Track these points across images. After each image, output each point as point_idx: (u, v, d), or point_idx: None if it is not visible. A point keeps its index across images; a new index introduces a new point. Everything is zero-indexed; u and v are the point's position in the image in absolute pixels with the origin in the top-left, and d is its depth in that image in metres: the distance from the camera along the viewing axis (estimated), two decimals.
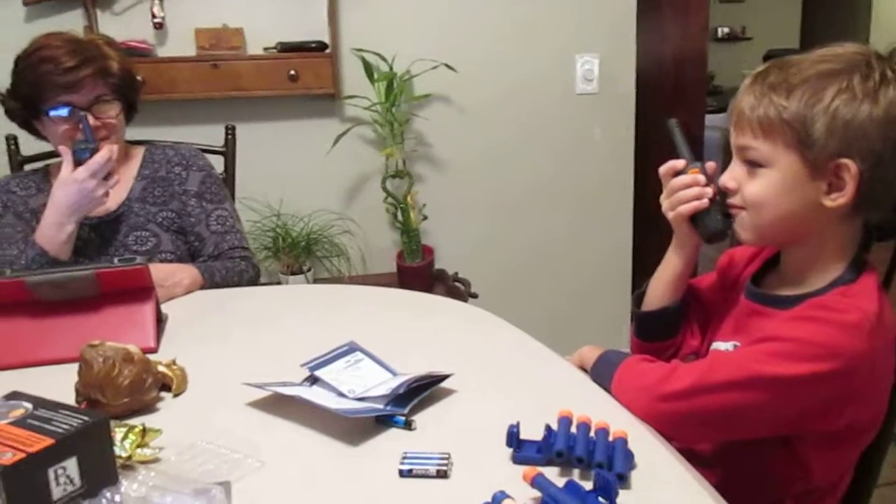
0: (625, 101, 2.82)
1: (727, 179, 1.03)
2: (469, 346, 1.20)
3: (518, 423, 0.84)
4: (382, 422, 0.94)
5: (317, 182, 2.62)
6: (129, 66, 1.69)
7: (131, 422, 0.93)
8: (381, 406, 0.97)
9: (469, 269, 2.70)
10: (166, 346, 1.25)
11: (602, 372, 1.04)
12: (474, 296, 2.58)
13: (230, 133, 2.01)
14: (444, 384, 1.02)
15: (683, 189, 1.08)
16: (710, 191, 1.06)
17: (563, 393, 1.01)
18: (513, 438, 0.83)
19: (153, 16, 2.45)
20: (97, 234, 1.64)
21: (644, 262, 3.04)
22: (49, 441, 0.71)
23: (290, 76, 2.47)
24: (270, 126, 2.58)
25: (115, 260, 1.23)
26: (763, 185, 0.98)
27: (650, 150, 2.99)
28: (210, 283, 1.57)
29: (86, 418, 0.75)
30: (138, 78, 1.76)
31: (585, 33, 2.73)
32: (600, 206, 2.88)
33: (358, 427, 0.93)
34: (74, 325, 1.20)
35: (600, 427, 0.85)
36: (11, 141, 1.91)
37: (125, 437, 0.85)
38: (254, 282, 1.70)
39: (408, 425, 0.93)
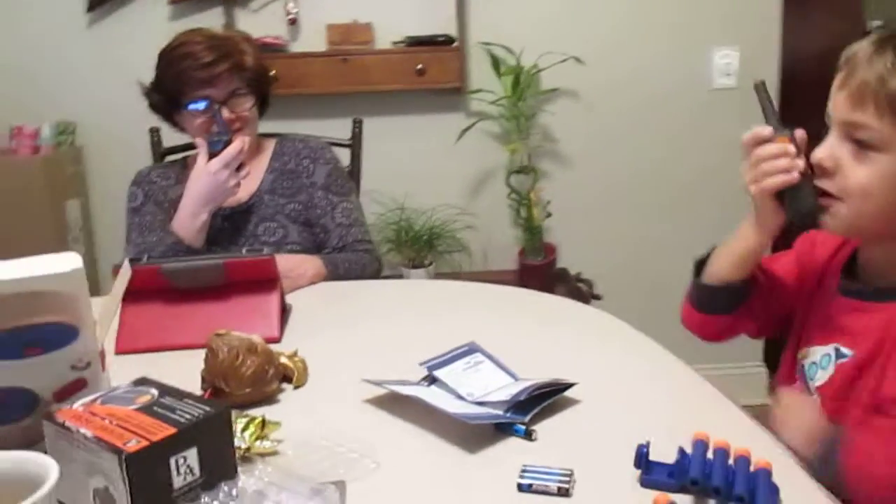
0: None
1: (824, 157, 0.90)
2: (595, 353, 1.14)
3: (648, 443, 0.78)
4: (501, 429, 0.90)
5: (441, 176, 2.61)
6: (263, 61, 1.74)
7: (252, 412, 0.94)
8: (500, 412, 0.93)
9: (593, 269, 2.62)
10: (289, 337, 1.26)
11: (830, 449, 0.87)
12: (598, 297, 2.49)
13: (357, 127, 2.03)
14: (568, 393, 0.97)
15: (770, 160, 0.94)
16: (801, 163, 0.92)
17: (698, 412, 0.94)
18: (642, 459, 0.77)
19: (287, 12, 2.51)
20: (230, 224, 1.68)
21: None
22: (172, 430, 0.71)
23: (418, 70, 2.47)
24: (396, 120, 2.60)
25: (244, 250, 1.25)
26: (875, 172, 0.86)
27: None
28: (334, 274, 1.58)
29: (208, 409, 0.75)
30: (271, 73, 1.79)
31: (725, 26, 2.58)
32: (736, 208, 2.71)
33: (476, 433, 0.89)
34: (203, 313, 1.23)
35: (741, 455, 0.78)
36: (154, 133, 2.00)
37: (245, 428, 0.85)
38: (376, 275, 1.70)
39: (528, 435, 0.88)
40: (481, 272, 2.63)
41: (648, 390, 1.00)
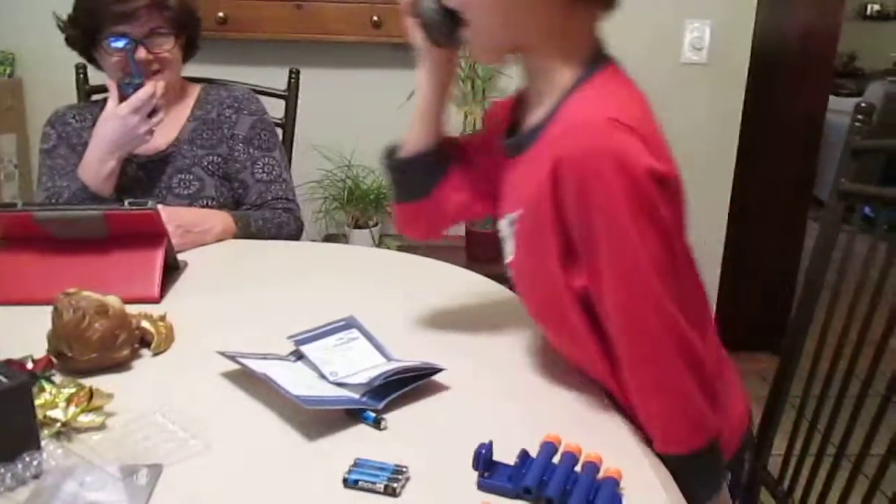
0: (736, 74, 2.56)
1: None
2: (488, 337, 1.07)
3: (491, 443, 0.72)
4: (353, 415, 0.84)
5: (392, 134, 2.49)
6: (192, 0, 1.63)
7: (97, 380, 0.88)
8: (355, 396, 0.87)
9: None
10: (174, 296, 1.19)
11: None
12: None
13: (294, 77, 1.93)
14: (438, 379, 0.91)
15: None
16: None
17: (566, 412, 0.87)
18: (480, 461, 0.71)
19: None
20: (144, 173, 1.60)
21: (737, 256, 2.79)
22: None
23: (374, 22, 2.37)
24: (349, 73, 2.50)
25: (126, 202, 1.17)
26: None
27: (759, 129, 2.72)
28: (244, 232, 1.51)
29: (5, 381, 0.68)
30: (200, 13, 1.69)
31: None
32: (696, 185, 2.63)
33: (324, 418, 0.83)
34: (82, 266, 1.16)
35: (589, 461, 0.72)
36: (81, 70, 1.90)
37: (70, 399, 0.79)
38: (294, 236, 1.63)
39: (377, 423, 0.82)
40: None
41: (526, 384, 0.94)
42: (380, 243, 2.47)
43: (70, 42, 1.63)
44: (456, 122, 2.46)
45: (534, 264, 0.87)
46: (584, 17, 0.88)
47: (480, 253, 2.51)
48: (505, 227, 0.93)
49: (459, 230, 2.54)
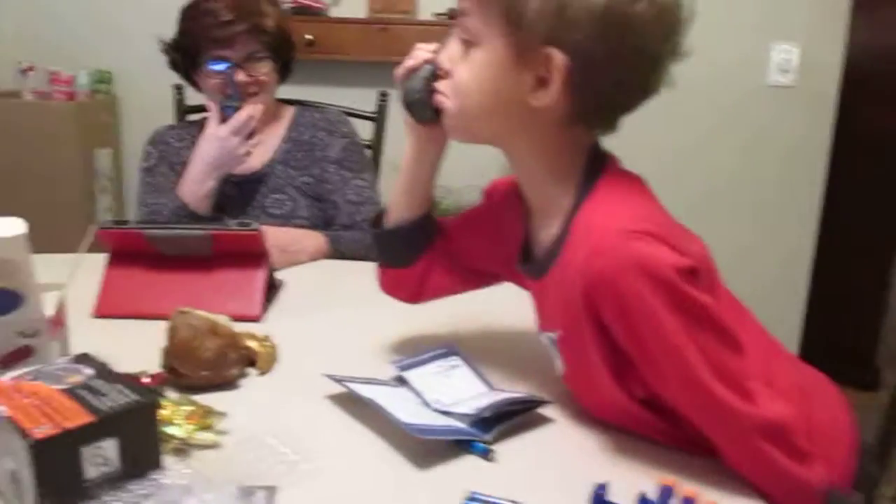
0: (825, 97, 2.50)
1: (443, 58, 0.87)
2: None
3: (605, 485, 0.71)
4: (460, 444, 0.84)
5: (473, 155, 2.52)
6: (286, 24, 1.68)
7: (207, 397, 0.89)
8: (463, 426, 0.86)
9: None
10: (274, 315, 1.21)
11: None
12: None
13: (383, 99, 1.96)
14: (542, 411, 0.90)
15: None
16: (420, 56, 0.92)
17: (681, 456, 0.85)
18: (596, 502, 0.70)
19: None
20: (239, 192, 1.64)
21: (825, 278, 2.70)
22: (89, 418, 0.67)
23: None
24: None
25: (232, 223, 1.20)
26: (471, 66, 0.83)
27: (848, 153, 2.63)
28: (336, 252, 1.53)
29: (135, 398, 0.71)
30: (295, 37, 1.73)
31: (785, 19, 2.43)
32: (781, 213, 2.59)
33: (432, 445, 0.83)
34: (187, 283, 1.20)
35: None
36: (178, 90, 1.97)
37: (187, 417, 0.81)
38: None
39: (486, 454, 0.82)
40: None
41: None
42: None
43: (172, 64, 1.69)
44: None
45: (587, 379, 0.86)
46: (581, 134, 0.86)
47: None
48: (547, 343, 0.92)
49: None
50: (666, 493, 0.71)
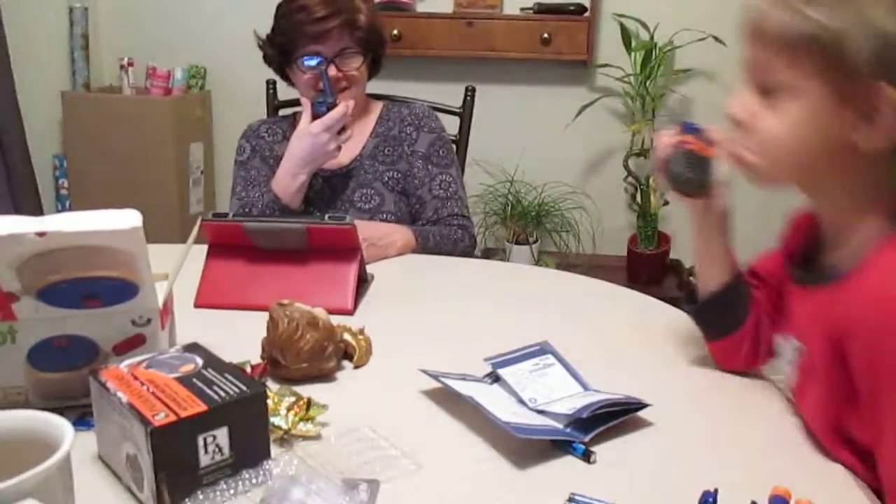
0: None
1: (735, 109, 0.83)
2: (687, 372, 1.03)
3: (716, 491, 0.69)
4: (558, 445, 0.83)
5: (556, 151, 2.52)
6: (378, 20, 1.69)
7: (305, 389, 0.91)
8: (560, 426, 0.85)
9: None
10: (364, 309, 1.23)
11: None
12: None
13: (469, 95, 1.96)
14: (641, 414, 0.89)
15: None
16: (673, 139, 0.93)
17: (787, 462, 0.82)
18: None
19: None
20: (328, 187, 1.67)
21: None
22: (203, 407, 0.69)
23: (543, 39, 2.37)
24: (516, 89, 2.51)
25: (326, 217, 1.22)
26: (786, 118, 0.79)
27: None
28: (423, 247, 1.54)
29: (245, 388, 0.72)
30: (393, 32, 1.74)
31: None
32: None
33: (531, 445, 0.82)
34: (282, 275, 1.22)
35: None
36: (271, 85, 2.01)
37: (290, 407, 0.82)
38: (468, 252, 1.64)
39: (586, 456, 0.81)
40: (588, 255, 2.53)
41: (737, 427, 0.90)
42: (539, 260, 2.46)
43: (267, 59, 1.73)
44: (623, 140, 2.42)
45: (814, 401, 0.85)
46: (889, 170, 0.81)
47: (642, 273, 2.45)
48: (786, 349, 0.91)
49: (622, 249, 2.49)
50: (779, 502, 0.69)
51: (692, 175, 0.94)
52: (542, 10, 2.39)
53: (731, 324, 1.00)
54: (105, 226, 0.78)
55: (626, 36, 2.31)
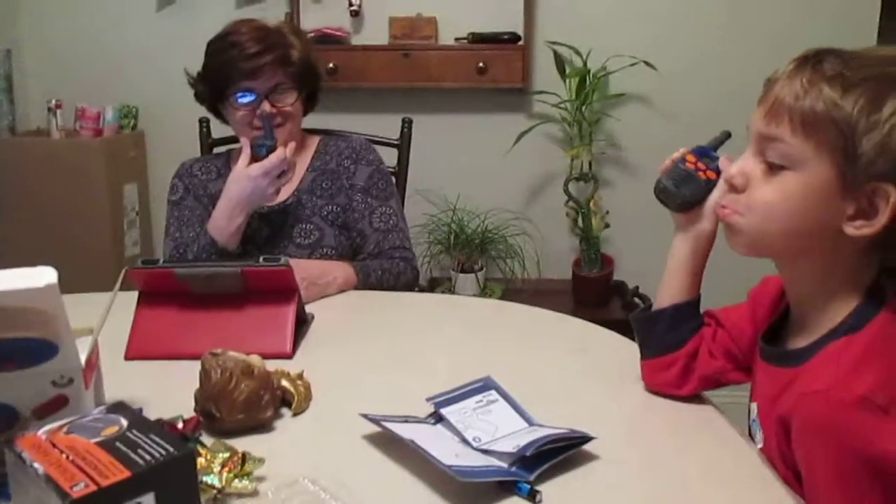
0: None
1: (735, 172, 0.86)
2: (628, 400, 1.03)
3: None
4: (503, 485, 0.81)
5: (497, 179, 2.52)
6: (312, 54, 1.68)
7: (241, 441, 0.88)
8: (504, 465, 0.84)
9: (652, 285, 2.47)
10: (305, 351, 1.20)
11: None
12: None
13: (406, 126, 1.95)
14: (586, 447, 0.88)
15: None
16: (677, 155, 0.98)
17: (731, 490, 0.82)
18: None
19: (350, 3, 2.46)
20: (266, 224, 1.64)
21: None
22: (126, 473, 0.65)
23: (479, 68, 2.39)
24: (455, 118, 2.52)
25: (261, 258, 1.19)
26: (782, 189, 0.81)
27: None
28: (365, 283, 1.52)
29: (172, 449, 0.69)
30: (330, 66, 1.73)
31: (811, 38, 2.39)
32: None
33: (476, 487, 0.80)
34: (218, 321, 1.19)
35: None
36: (204, 123, 1.98)
37: (224, 464, 0.79)
38: (411, 284, 1.63)
39: (532, 496, 0.79)
40: (534, 280, 2.53)
41: (678, 452, 0.90)
42: (484, 287, 2.46)
43: (199, 97, 1.70)
44: (563, 165, 2.44)
45: (775, 461, 0.87)
46: (874, 259, 0.84)
47: (587, 296, 2.46)
48: (755, 415, 0.93)
49: (566, 273, 2.50)
50: None
51: (677, 190, 0.97)
52: (476, 39, 2.41)
53: (668, 344, 1.00)
54: (17, 285, 0.74)
55: (560, 63, 2.34)
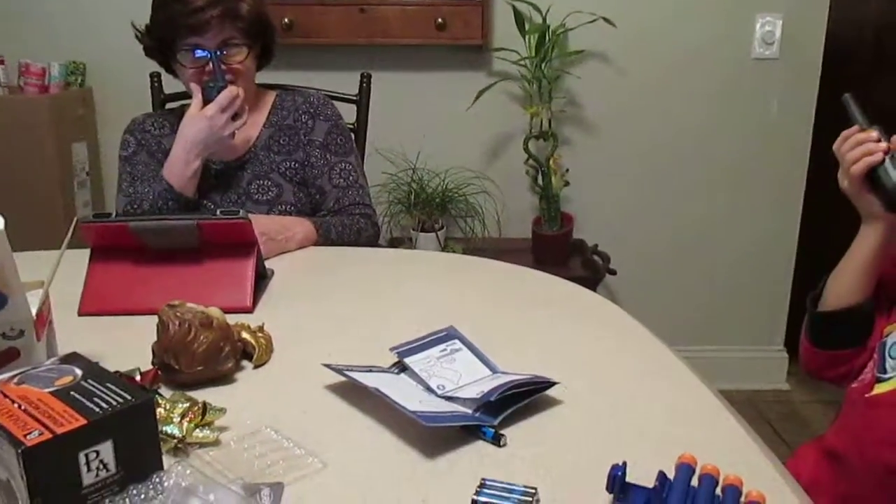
0: (809, 68, 2.48)
1: None
2: (591, 348, 1.04)
3: (624, 464, 0.69)
4: (468, 430, 0.81)
5: (457, 137, 2.50)
6: (263, 9, 1.62)
7: (202, 393, 0.86)
8: (469, 411, 0.84)
9: (611, 242, 2.50)
10: (265, 305, 1.18)
11: None
12: (612, 272, 2.38)
13: (365, 82, 1.92)
14: (549, 392, 0.88)
15: (853, 149, 0.96)
16: (883, 144, 0.94)
17: (692, 430, 0.83)
18: (615, 483, 0.68)
19: None
20: (222, 180, 1.60)
21: (811, 257, 2.70)
22: (82, 421, 0.63)
23: (438, 24, 2.35)
24: (413, 76, 2.48)
25: (218, 211, 1.16)
26: None
27: (833, 125, 2.62)
28: (325, 239, 1.50)
29: (130, 397, 0.67)
30: (275, 22, 1.68)
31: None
32: (767, 185, 2.58)
33: (441, 434, 0.81)
34: (174, 276, 1.16)
35: (730, 484, 0.68)
36: (155, 78, 1.92)
37: (184, 415, 0.78)
38: (372, 241, 1.61)
39: (496, 440, 0.79)
40: (494, 239, 2.53)
41: (639, 396, 0.91)
42: (445, 246, 2.45)
43: (148, 52, 1.64)
44: (522, 123, 2.43)
45: None
46: None
47: (547, 255, 2.47)
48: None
49: (526, 232, 2.51)
50: (686, 470, 0.69)
51: None
52: None
53: (844, 342, 1.02)
54: None
55: (520, 19, 2.31)
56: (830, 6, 2.43)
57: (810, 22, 2.44)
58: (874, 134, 0.97)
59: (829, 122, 2.55)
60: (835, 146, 1.00)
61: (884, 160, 0.95)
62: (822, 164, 2.63)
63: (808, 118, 2.52)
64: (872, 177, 0.96)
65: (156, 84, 1.92)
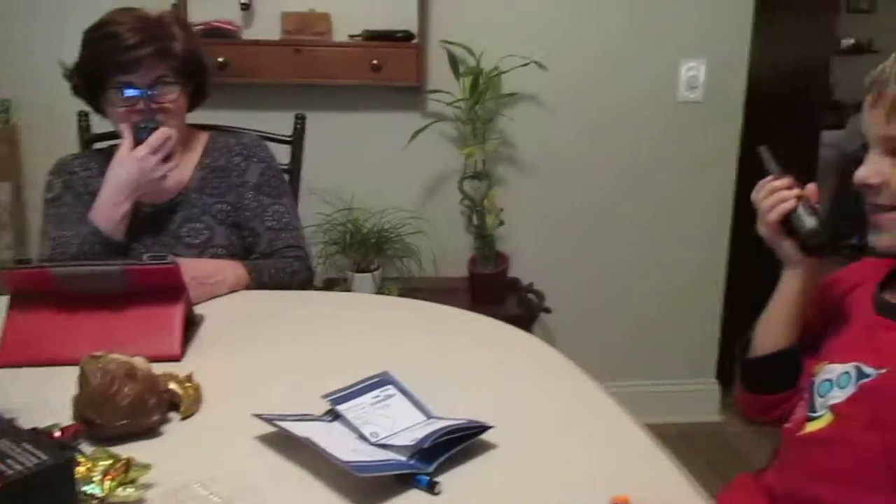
0: (731, 111, 2.59)
1: (868, 174, 0.91)
2: (524, 390, 1.04)
3: None
4: (402, 479, 0.80)
5: (392, 178, 2.51)
6: (197, 47, 1.61)
7: (126, 448, 0.83)
8: (402, 459, 0.83)
9: (545, 281, 2.54)
10: (194, 353, 1.15)
11: None
12: (547, 310, 2.41)
13: (299, 123, 1.92)
14: (484, 436, 0.88)
15: (768, 197, 1.01)
16: (795, 191, 0.99)
17: (624, 469, 0.84)
18: None
19: None
20: (152, 223, 1.57)
21: (739, 291, 2.78)
22: None
23: (373, 66, 2.37)
24: (349, 116, 2.49)
25: (145, 256, 1.13)
26: None
27: (755, 165, 2.73)
28: (257, 282, 1.48)
29: (45, 458, 0.64)
30: (209, 61, 1.66)
31: (693, 37, 2.51)
32: (695, 223, 2.66)
33: (374, 482, 0.79)
34: (99, 323, 1.12)
35: None
36: (83, 117, 1.87)
37: (106, 473, 0.75)
38: (305, 283, 1.60)
39: (431, 488, 0.79)
40: (431, 278, 2.54)
41: (573, 438, 0.91)
42: (382, 287, 2.44)
43: (76, 90, 1.60)
44: (457, 164, 2.45)
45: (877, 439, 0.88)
46: None
47: (483, 294, 2.49)
48: (838, 374, 0.95)
49: (462, 271, 2.52)
50: None
51: (823, 229, 0.98)
52: (370, 37, 2.39)
53: (776, 386, 1.05)
54: None
55: (454, 62, 2.35)
56: (752, 51, 2.55)
57: (732, 66, 2.54)
58: (785, 181, 1.01)
59: (753, 162, 2.68)
60: (752, 196, 1.05)
61: (797, 207, 0.99)
62: (748, 202, 2.74)
63: (733, 158, 2.62)
64: (788, 223, 1.00)
65: (83, 124, 1.88)
